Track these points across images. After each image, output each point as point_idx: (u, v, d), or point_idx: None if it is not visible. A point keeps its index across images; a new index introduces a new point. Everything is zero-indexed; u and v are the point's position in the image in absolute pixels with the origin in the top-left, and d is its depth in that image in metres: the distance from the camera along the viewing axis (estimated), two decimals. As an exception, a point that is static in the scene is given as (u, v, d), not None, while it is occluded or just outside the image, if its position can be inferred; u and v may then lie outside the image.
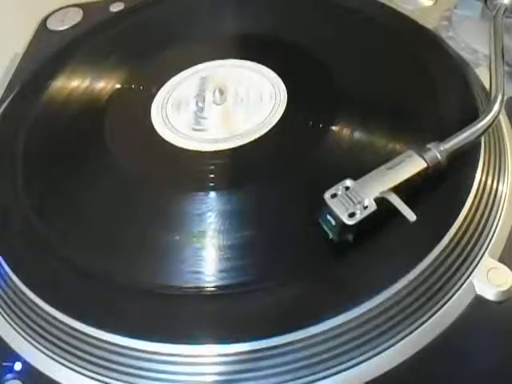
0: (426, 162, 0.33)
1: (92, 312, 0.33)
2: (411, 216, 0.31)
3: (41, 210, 0.38)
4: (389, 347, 0.30)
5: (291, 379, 0.30)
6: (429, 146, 0.34)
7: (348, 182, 0.32)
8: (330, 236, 0.32)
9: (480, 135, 0.35)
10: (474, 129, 0.35)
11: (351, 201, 0.32)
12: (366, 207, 0.31)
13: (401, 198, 0.31)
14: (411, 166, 0.33)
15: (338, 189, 0.32)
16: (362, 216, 0.31)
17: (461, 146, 0.34)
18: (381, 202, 0.32)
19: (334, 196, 0.32)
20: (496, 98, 0.36)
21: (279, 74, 0.44)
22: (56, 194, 0.39)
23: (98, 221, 0.37)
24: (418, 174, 0.33)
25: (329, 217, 0.32)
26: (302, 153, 0.38)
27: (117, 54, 0.49)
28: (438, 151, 0.34)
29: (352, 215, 0.31)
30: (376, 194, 0.32)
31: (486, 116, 0.35)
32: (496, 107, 0.36)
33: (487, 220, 0.34)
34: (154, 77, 0.46)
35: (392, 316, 0.31)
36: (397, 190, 0.32)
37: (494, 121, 0.35)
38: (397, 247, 0.33)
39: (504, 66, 0.39)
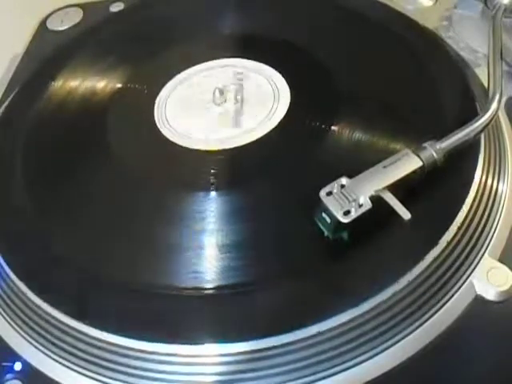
0: (422, 160, 0.33)
1: (92, 312, 0.33)
2: (406, 214, 0.31)
3: (41, 209, 0.38)
4: (389, 347, 0.30)
5: (291, 379, 0.30)
6: (425, 144, 0.34)
7: (343, 180, 0.32)
8: (325, 234, 0.32)
9: (477, 134, 0.35)
10: (471, 128, 0.35)
11: (346, 199, 0.32)
12: (361, 205, 0.31)
13: (397, 196, 0.31)
14: (407, 164, 0.33)
15: (334, 187, 0.32)
16: (357, 214, 0.31)
17: (458, 144, 0.34)
18: (377, 200, 0.32)
19: (329, 194, 0.32)
20: (494, 96, 0.36)
21: (281, 74, 0.44)
22: (56, 194, 0.39)
23: (98, 221, 0.37)
24: (414, 172, 0.33)
25: (324, 214, 0.32)
26: (301, 153, 0.38)
27: (117, 54, 0.49)
28: (435, 150, 0.34)
29: (347, 213, 0.31)
30: (371, 192, 0.32)
31: (484, 115, 0.35)
32: (494, 106, 0.36)
33: (487, 220, 0.34)
34: (154, 77, 0.46)
35: (392, 316, 0.31)
36: (392, 188, 0.32)
37: (491, 120, 0.35)
38: (397, 247, 0.33)
39: (503, 66, 0.39)
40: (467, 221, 0.33)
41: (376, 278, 0.31)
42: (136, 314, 0.32)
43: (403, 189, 0.33)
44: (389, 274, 0.31)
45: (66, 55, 0.50)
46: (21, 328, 0.34)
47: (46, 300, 0.33)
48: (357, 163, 0.34)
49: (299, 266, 0.33)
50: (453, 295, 0.32)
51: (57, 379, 0.32)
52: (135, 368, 0.31)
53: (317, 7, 0.49)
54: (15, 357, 0.33)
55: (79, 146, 0.42)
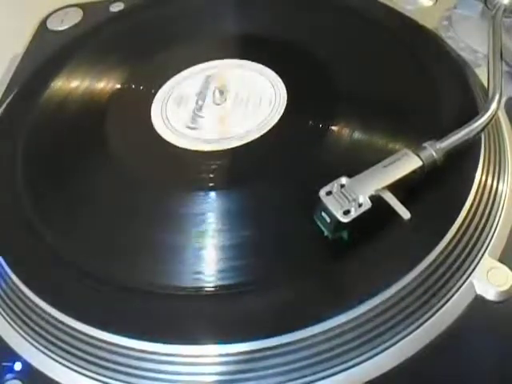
0: (422, 160, 0.33)
1: (92, 312, 0.33)
2: (405, 214, 0.31)
3: (41, 209, 0.38)
4: (389, 347, 0.30)
5: (291, 379, 0.30)
6: (425, 144, 0.34)
7: (343, 180, 0.32)
8: (325, 233, 0.32)
9: (477, 134, 0.35)
10: (470, 128, 0.35)
11: (346, 198, 0.32)
12: (360, 205, 0.31)
13: (397, 196, 0.31)
14: (406, 164, 0.33)
15: (333, 186, 0.32)
16: (357, 214, 0.31)
17: (458, 144, 0.34)
18: (377, 200, 0.32)
19: (329, 193, 0.32)
20: (494, 96, 0.36)
21: (279, 74, 0.44)
22: (56, 194, 0.39)
23: (97, 221, 0.37)
24: (414, 172, 0.33)
25: (324, 214, 0.32)
26: (300, 152, 0.38)
27: (117, 54, 0.49)
28: (434, 150, 0.34)
29: (346, 213, 0.31)
30: (371, 191, 0.32)
31: (483, 115, 0.35)
32: (493, 106, 0.36)
33: (487, 220, 0.34)
34: (153, 77, 0.46)
35: (392, 316, 0.31)
36: (392, 188, 0.32)
37: (491, 120, 0.35)
38: (397, 247, 0.33)
39: (503, 66, 0.39)
40: (467, 221, 0.33)
41: (376, 277, 0.31)
42: (136, 313, 0.32)
43: (403, 189, 0.33)
44: (389, 274, 0.31)
45: (65, 55, 0.50)
46: (21, 328, 0.34)
47: (45, 300, 0.33)
48: (357, 163, 0.34)
49: (299, 265, 0.33)
50: (453, 295, 0.32)
51: (57, 379, 0.32)
52: (135, 368, 0.31)
53: (316, 7, 0.49)
54: (15, 357, 0.33)
55: (79, 146, 0.42)
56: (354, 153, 0.38)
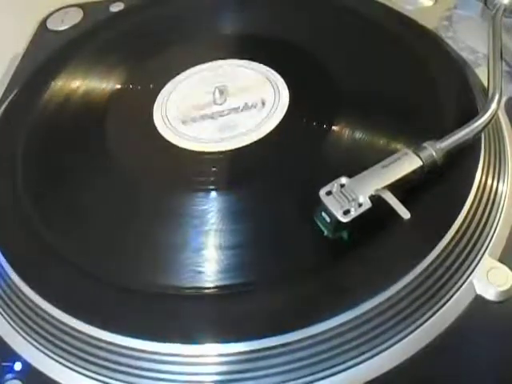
0: (422, 160, 0.33)
1: (92, 312, 0.33)
2: (405, 214, 0.31)
3: (41, 209, 0.38)
4: (389, 347, 0.30)
5: (291, 379, 0.30)
6: (425, 144, 0.34)
7: (343, 180, 0.32)
8: (325, 233, 0.32)
9: (477, 134, 0.35)
10: (470, 128, 0.35)
11: (346, 198, 0.32)
12: (360, 205, 0.31)
13: (397, 196, 0.31)
14: (406, 164, 0.33)
15: (333, 186, 0.32)
16: (357, 213, 0.31)
17: (458, 144, 0.34)
18: (377, 200, 0.32)
19: (329, 193, 0.32)
20: (493, 96, 0.36)
21: (280, 74, 0.44)
22: (56, 194, 0.39)
23: (98, 221, 0.37)
24: (414, 172, 0.33)
25: (324, 214, 0.32)
26: (301, 152, 0.38)
27: (117, 54, 0.49)
28: (434, 150, 0.34)
29: (346, 212, 0.31)
30: (371, 191, 0.32)
31: (483, 115, 0.35)
32: (493, 106, 0.36)
33: (487, 220, 0.34)
34: (154, 77, 0.46)
35: (392, 316, 0.31)
36: (392, 188, 0.32)
37: (491, 120, 0.35)
38: (397, 247, 0.33)
39: (502, 66, 0.39)
40: (467, 221, 0.33)
41: (376, 277, 0.31)
42: (136, 313, 0.32)
43: (403, 188, 0.33)
44: (389, 274, 0.31)
45: (66, 55, 0.50)
46: (21, 328, 0.34)
47: (46, 300, 0.33)
48: (357, 163, 0.34)
49: (299, 265, 0.33)
50: (453, 295, 0.32)
51: (57, 379, 0.32)
52: (135, 368, 0.31)
53: (316, 7, 0.49)
54: (15, 357, 0.33)
55: (79, 147, 0.42)
56: (354, 153, 0.38)
